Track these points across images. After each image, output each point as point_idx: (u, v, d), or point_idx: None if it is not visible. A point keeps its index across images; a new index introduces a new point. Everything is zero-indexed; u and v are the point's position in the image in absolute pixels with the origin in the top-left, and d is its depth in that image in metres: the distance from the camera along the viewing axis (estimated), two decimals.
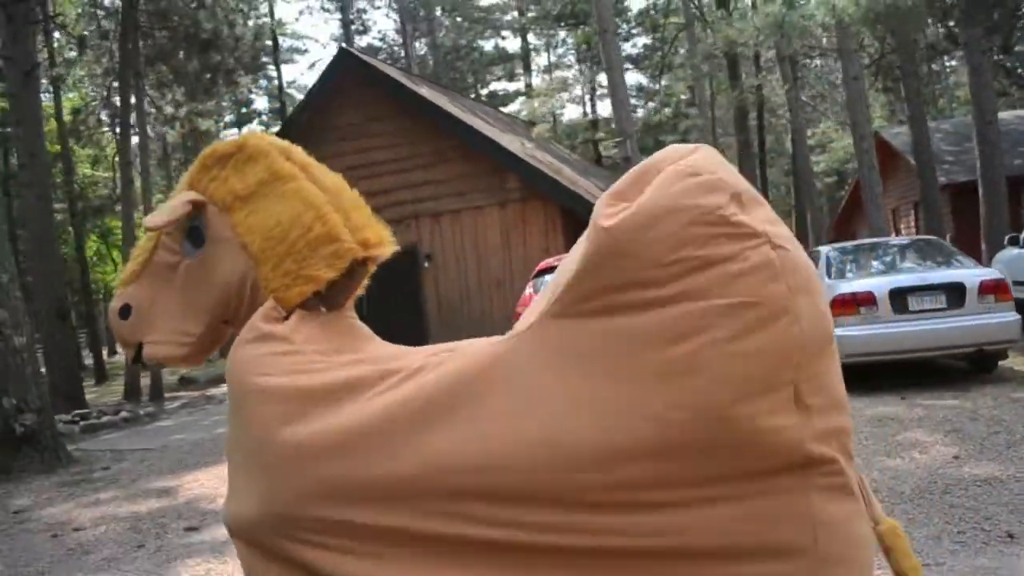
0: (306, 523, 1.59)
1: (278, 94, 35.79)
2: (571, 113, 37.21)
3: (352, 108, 15.27)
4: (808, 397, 1.39)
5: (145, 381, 14.18)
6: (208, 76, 18.31)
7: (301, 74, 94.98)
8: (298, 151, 1.96)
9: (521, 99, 36.87)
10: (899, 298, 7.52)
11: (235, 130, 35.32)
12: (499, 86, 41.93)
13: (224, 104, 29.19)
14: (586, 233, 1.47)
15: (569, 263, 1.51)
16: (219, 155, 1.92)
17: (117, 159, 19.86)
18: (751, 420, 1.35)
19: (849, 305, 7.55)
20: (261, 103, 39.56)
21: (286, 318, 1.81)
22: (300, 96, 28.07)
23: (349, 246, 1.83)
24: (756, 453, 1.38)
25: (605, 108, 30.50)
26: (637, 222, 1.38)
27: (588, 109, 35.43)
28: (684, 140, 29.20)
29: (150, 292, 1.91)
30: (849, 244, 10.22)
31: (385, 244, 1.92)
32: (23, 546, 5.34)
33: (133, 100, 15.55)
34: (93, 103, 22.66)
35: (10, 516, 6.31)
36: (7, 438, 7.76)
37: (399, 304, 14.32)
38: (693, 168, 1.42)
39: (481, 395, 1.52)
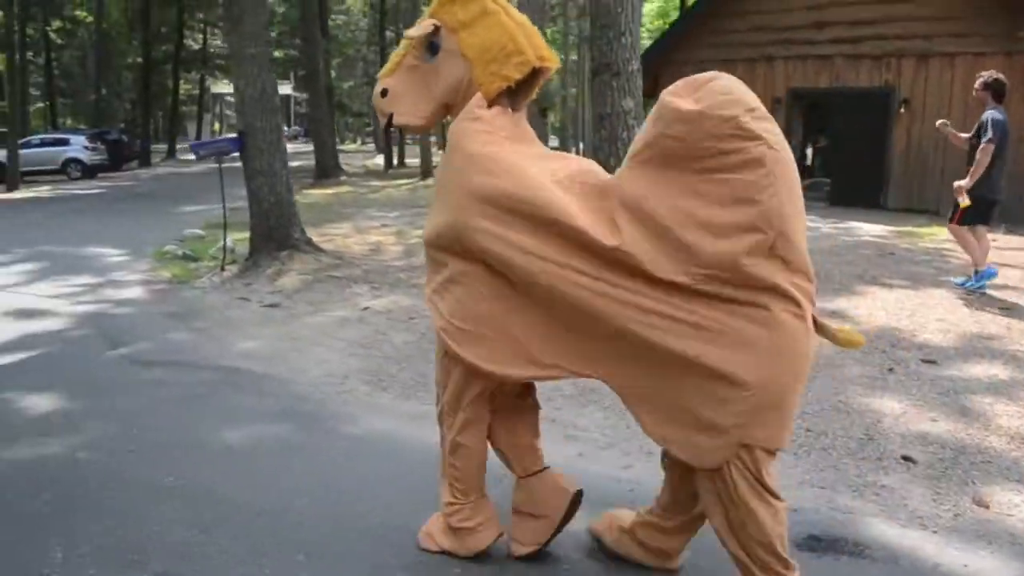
0: (473, 232, 2.45)
1: None
2: None
3: None
4: (780, 251, 2.09)
5: None
6: None
7: None
8: None
9: None
10: None
11: None
12: None
13: None
14: (660, 117, 2.18)
15: (644, 136, 2.26)
16: None
17: None
18: (734, 254, 2.08)
19: None
20: None
21: (489, 107, 2.60)
22: None
23: (529, 58, 2.59)
24: (739, 276, 2.11)
25: None
26: (691, 116, 2.10)
27: None
28: None
29: (401, 82, 2.75)
30: None
31: (554, 61, 2.68)
32: None
33: None
34: None
35: None
36: None
37: (862, 141, 13.86)
38: (725, 89, 2.13)
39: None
